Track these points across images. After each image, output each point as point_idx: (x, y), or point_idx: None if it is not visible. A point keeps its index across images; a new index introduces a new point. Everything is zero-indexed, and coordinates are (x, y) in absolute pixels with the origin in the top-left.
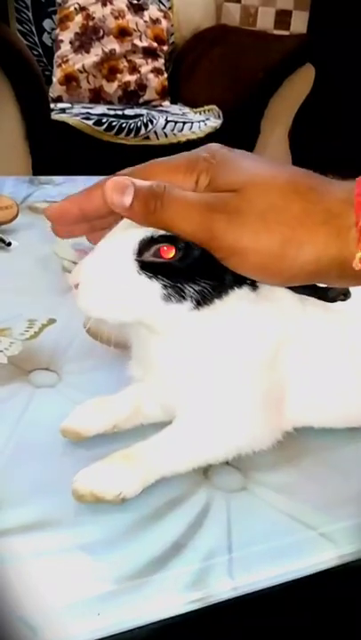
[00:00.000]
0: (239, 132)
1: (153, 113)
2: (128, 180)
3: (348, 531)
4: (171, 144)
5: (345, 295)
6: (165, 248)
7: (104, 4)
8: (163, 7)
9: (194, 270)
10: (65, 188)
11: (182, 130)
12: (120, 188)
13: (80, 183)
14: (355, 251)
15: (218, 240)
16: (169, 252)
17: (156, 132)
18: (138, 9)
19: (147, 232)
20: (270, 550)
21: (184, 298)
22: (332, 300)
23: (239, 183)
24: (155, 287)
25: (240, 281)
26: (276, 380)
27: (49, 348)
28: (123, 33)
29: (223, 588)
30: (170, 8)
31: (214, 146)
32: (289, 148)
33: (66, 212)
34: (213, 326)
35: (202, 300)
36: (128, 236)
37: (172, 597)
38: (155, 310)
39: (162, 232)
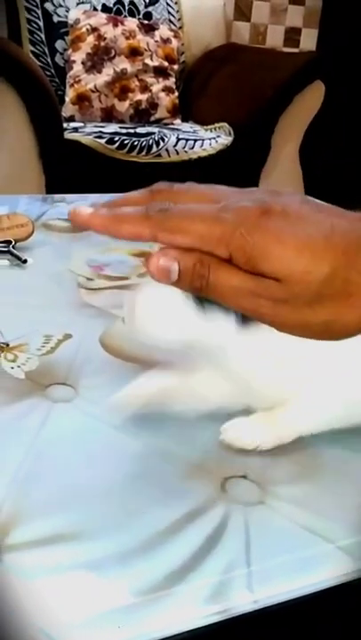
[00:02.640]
0: (250, 148)
1: (164, 131)
2: (171, 256)
3: None
4: (182, 161)
5: None
6: None
7: (115, 25)
8: (173, 27)
9: None
10: (73, 205)
11: (193, 147)
12: (165, 267)
13: (90, 200)
14: None
15: (266, 321)
16: None
17: (167, 150)
18: (148, 29)
19: None
20: (289, 563)
21: (227, 314)
22: None
23: (279, 273)
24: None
25: None
26: None
27: (65, 363)
28: (134, 53)
29: (243, 601)
30: (180, 27)
31: (249, 210)
32: (300, 164)
33: (92, 224)
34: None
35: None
36: None
37: (192, 610)
38: (201, 331)
39: None
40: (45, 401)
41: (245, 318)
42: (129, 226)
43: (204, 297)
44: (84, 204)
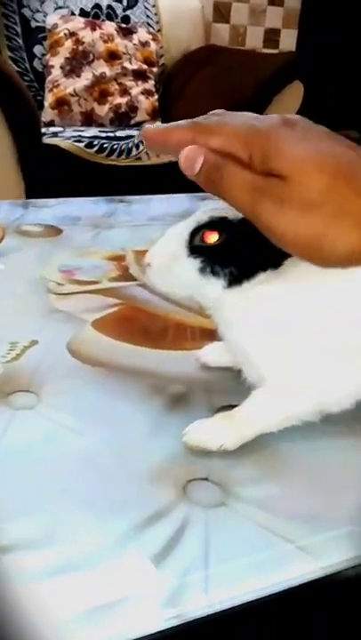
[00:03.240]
0: None
1: None
2: (200, 150)
3: (326, 543)
4: (163, 163)
5: None
6: (208, 232)
7: (93, 29)
8: (152, 30)
9: (226, 256)
10: (58, 210)
11: None
12: (192, 157)
13: (74, 205)
14: None
15: (261, 220)
16: (211, 237)
17: (147, 153)
18: (127, 32)
19: (198, 220)
20: (247, 565)
21: (218, 275)
22: None
23: (286, 171)
24: (195, 263)
25: (265, 266)
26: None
27: (30, 369)
28: (112, 56)
29: (198, 604)
30: (159, 30)
31: (273, 119)
32: None
33: (153, 141)
34: (250, 304)
35: (232, 280)
36: (186, 224)
37: (149, 615)
38: (197, 285)
39: (209, 219)
40: (7, 409)
41: (233, 281)
42: (177, 132)
43: (216, 193)
44: (64, 208)
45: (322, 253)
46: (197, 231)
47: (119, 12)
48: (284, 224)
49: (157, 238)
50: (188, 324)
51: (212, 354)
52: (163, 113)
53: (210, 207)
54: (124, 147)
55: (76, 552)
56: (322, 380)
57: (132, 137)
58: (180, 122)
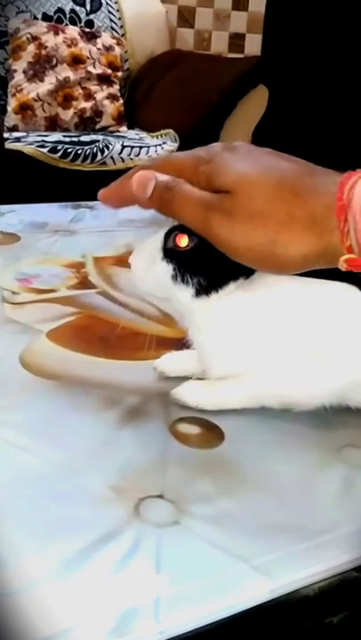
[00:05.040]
0: None
1: (109, 138)
2: (152, 174)
3: (281, 561)
4: (128, 168)
5: None
6: (179, 235)
7: (56, 33)
8: (116, 34)
9: (197, 264)
10: (20, 216)
11: (139, 154)
12: (144, 182)
13: (37, 211)
14: (339, 249)
15: (215, 235)
16: (182, 239)
17: (112, 158)
18: (90, 37)
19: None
20: (199, 588)
21: (187, 283)
22: None
23: (231, 185)
24: (168, 269)
25: (236, 275)
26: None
27: None
28: (76, 61)
29: (148, 632)
30: (123, 35)
31: (216, 147)
32: None
33: (109, 199)
34: (219, 312)
35: (200, 290)
36: (163, 230)
37: None
38: (170, 289)
39: (176, 224)
40: None
41: (201, 291)
42: (128, 180)
43: (169, 214)
44: (28, 214)
45: (276, 260)
46: (171, 232)
47: (82, 16)
48: (236, 236)
49: (121, 245)
50: (147, 332)
51: (169, 363)
52: (128, 117)
53: None
54: (88, 152)
55: (18, 579)
56: (287, 378)
57: (96, 142)
58: (128, 172)
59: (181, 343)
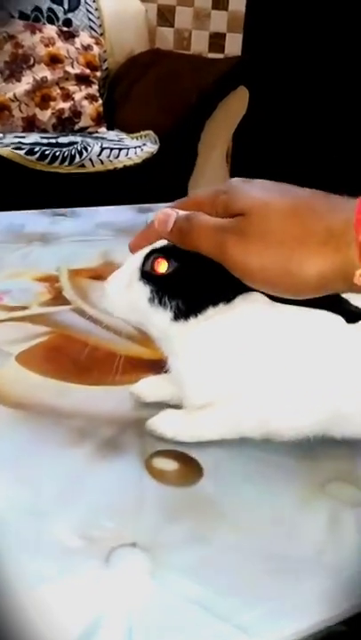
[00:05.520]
0: (176, 156)
1: (88, 140)
2: (173, 211)
3: (265, 618)
4: (107, 170)
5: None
6: (158, 259)
7: (33, 32)
8: (94, 33)
9: (176, 287)
10: None
11: (118, 156)
12: (165, 218)
13: (13, 218)
14: (356, 265)
15: (229, 257)
16: (161, 264)
17: (91, 160)
18: (68, 36)
19: (154, 245)
20: None
21: (165, 307)
22: (351, 321)
23: (245, 208)
24: (145, 291)
25: (215, 301)
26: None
27: None
28: (54, 60)
29: None
30: (102, 34)
31: (235, 180)
32: (227, 170)
33: (138, 245)
34: (199, 337)
35: (178, 314)
36: (142, 252)
37: None
38: (146, 314)
39: (160, 245)
40: None
41: (179, 315)
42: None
43: (187, 244)
44: (0, 222)
45: (291, 280)
46: (151, 255)
47: (60, 15)
48: (250, 256)
49: (98, 255)
50: (124, 353)
51: (146, 388)
52: (107, 118)
53: None
54: (66, 153)
55: None
56: (269, 407)
57: (75, 143)
58: (150, 222)
59: (160, 365)
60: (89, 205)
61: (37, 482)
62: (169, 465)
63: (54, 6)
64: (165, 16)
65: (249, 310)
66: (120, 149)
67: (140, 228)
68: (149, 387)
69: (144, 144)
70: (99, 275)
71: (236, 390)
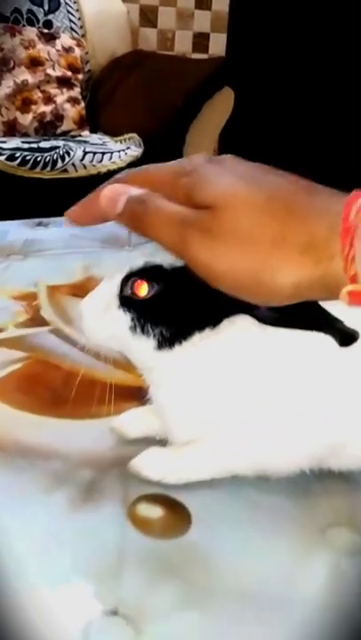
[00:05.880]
0: (161, 159)
1: (70, 144)
2: (123, 187)
3: None
4: (90, 175)
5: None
6: (138, 282)
7: (13, 35)
8: (75, 35)
9: (157, 314)
10: None
11: (102, 160)
12: (114, 196)
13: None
14: (340, 279)
15: (192, 257)
16: (141, 287)
17: (74, 165)
18: (49, 38)
19: (133, 266)
20: None
21: (148, 334)
22: (345, 344)
23: (213, 200)
24: (126, 319)
25: (201, 326)
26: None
27: None
28: (34, 63)
29: None
30: (83, 35)
31: (199, 159)
32: None
33: (79, 218)
34: (182, 365)
35: (162, 342)
36: (120, 275)
37: None
38: (126, 341)
39: (140, 267)
40: None
41: (164, 343)
42: (98, 198)
43: (141, 231)
44: None
45: (263, 288)
46: (129, 278)
47: (40, 16)
48: (218, 260)
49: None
50: (105, 380)
51: (130, 422)
52: (90, 121)
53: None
54: (48, 158)
55: None
56: (261, 442)
57: (57, 148)
58: (99, 188)
59: (145, 393)
60: None
61: (6, 538)
62: (154, 512)
63: (34, 8)
64: (148, 16)
65: (237, 335)
66: (104, 153)
67: (120, 238)
68: (132, 421)
69: (128, 147)
70: (80, 291)
71: (226, 424)
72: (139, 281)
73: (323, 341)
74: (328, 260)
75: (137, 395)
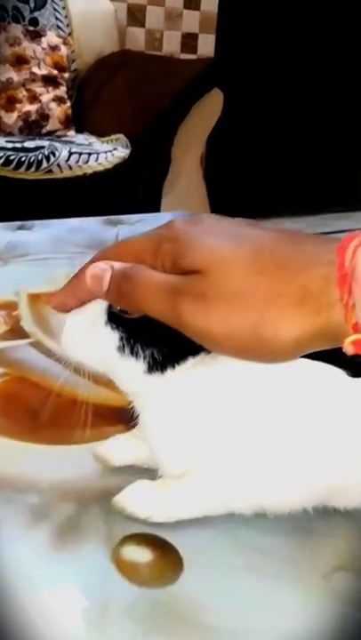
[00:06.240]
0: (149, 161)
1: (56, 144)
2: (106, 264)
3: None
4: (76, 177)
5: None
6: None
7: None
8: (62, 33)
9: (149, 334)
10: None
11: (88, 161)
12: (98, 274)
13: None
14: (341, 327)
15: (188, 325)
16: None
17: (59, 165)
18: (35, 36)
19: None
20: None
21: (138, 356)
22: (357, 375)
23: (201, 264)
24: (114, 338)
25: (197, 349)
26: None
27: None
28: (20, 61)
29: None
30: (70, 34)
31: (177, 223)
32: (202, 175)
33: (65, 305)
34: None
35: (153, 365)
36: None
37: None
38: (113, 362)
39: None
40: None
41: (155, 366)
42: (79, 281)
43: (131, 307)
44: None
45: (264, 347)
46: None
47: (26, 13)
48: (213, 323)
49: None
50: (87, 400)
51: (114, 449)
52: (76, 121)
53: None
54: (33, 159)
55: None
56: (259, 477)
57: (42, 148)
58: (80, 270)
59: (131, 414)
60: (57, 214)
61: None
62: (142, 556)
63: (20, 4)
64: (136, 16)
65: (235, 361)
66: (90, 154)
67: (106, 243)
68: (117, 448)
69: (115, 148)
70: None
71: (221, 456)
72: None
73: (329, 373)
74: (328, 308)
75: (122, 416)
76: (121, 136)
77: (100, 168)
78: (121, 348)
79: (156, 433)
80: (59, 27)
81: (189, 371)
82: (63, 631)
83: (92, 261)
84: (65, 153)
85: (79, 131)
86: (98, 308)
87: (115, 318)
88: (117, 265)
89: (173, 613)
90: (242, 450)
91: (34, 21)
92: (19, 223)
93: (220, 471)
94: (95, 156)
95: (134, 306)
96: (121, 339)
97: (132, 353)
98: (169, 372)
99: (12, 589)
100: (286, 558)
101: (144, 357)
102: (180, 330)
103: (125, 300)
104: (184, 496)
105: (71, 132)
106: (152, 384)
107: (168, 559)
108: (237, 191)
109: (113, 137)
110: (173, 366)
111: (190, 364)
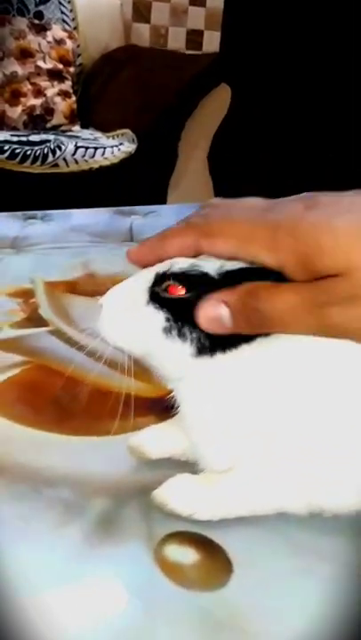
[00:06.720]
0: (155, 156)
1: (61, 138)
2: (217, 301)
3: None
4: (82, 171)
5: None
6: (174, 287)
7: (2, 25)
8: (67, 27)
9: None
10: None
11: (94, 156)
12: (214, 315)
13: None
14: None
15: (344, 332)
16: (178, 292)
17: (65, 159)
18: (40, 29)
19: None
20: None
21: (185, 338)
22: None
23: (342, 267)
24: (159, 318)
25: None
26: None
27: None
28: (24, 54)
29: None
30: (75, 28)
31: (292, 207)
32: (209, 171)
33: (143, 257)
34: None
35: (201, 348)
36: (152, 268)
37: None
38: (157, 344)
39: (174, 269)
40: None
41: (203, 350)
42: (173, 240)
43: (267, 332)
44: None
45: None
46: (160, 280)
47: (31, 7)
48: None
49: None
50: (120, 390)
51: (150, 440)
52: (81, 116)
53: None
54: (38, 152)
55: None
56: (313, 472)
57: (47, 142)
58: (172, 228)
59: (164, 404)
60: (63, 208)
61: (4, 591)
62: (186, 556)
63: None
64: (141, 11)
65: (292, 347)
66: (96, 148)
67: (120, 233)
68: (153, 438)
69: (121, 143)
70: (79, 288)
71: (273, 450)
72: (174, 286)
73: None
74: None
75: (156, 407)
76: (127, 131)
77: (107, 163)
78: (167, 330)
79: (200, 423)
80: (64, 20)
81: (243, 353)
82: (103, 636)
83: (189, 234)
84: (71, 147)
85: (84, 126)
86: (139, 290)
87: (157, 298)
88: (228, 297)
89: (223, 624)
90: (297, 442)
91: (39, 14)
92: (28, 213)
93: (272, 465)
94: (101, 150)
95: (273, 331)
96: (168, 320)
97: (179, 334)
98: (219, 356)
99: (41, 586)
100: (341, 563)
101: (192, 340)
102: (329, 337)
103: (262, 329)
104: (231, 493)
105: (76, 127)
106: (200, 368)
107: (215, 560)
108: (244, 187)
109: (119, 132)
110: (224, 350)
111: (243, 349)
